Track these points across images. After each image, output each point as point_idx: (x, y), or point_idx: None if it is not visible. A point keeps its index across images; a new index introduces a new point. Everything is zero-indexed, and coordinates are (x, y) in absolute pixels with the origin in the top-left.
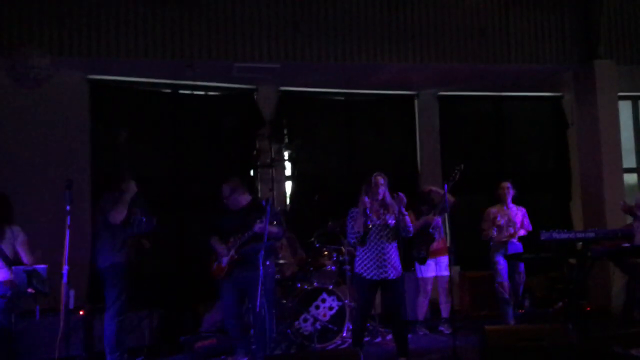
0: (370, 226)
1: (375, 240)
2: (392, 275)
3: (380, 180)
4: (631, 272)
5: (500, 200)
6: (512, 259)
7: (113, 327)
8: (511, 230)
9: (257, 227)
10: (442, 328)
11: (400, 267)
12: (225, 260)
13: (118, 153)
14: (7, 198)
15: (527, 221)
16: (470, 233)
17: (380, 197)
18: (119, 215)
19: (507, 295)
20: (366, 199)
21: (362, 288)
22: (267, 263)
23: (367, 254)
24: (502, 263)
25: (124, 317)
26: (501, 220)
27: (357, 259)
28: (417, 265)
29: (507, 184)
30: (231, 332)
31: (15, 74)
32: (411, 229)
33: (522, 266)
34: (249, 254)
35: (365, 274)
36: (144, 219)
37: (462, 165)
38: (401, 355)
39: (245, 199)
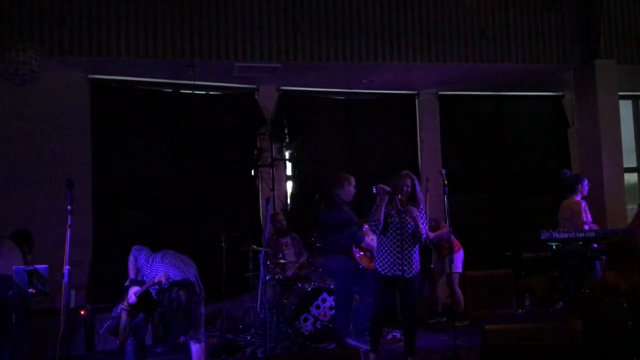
0: (390, 221)
1: (393, 237)
2: (406, 273)
3: (408, 181)
4: None
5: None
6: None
7: None
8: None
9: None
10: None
11: (417, 266)
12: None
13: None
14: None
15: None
16: (471, 232)
17: (405, 191)
18: None
19: None
20: (387, 188)
21: (376, 283)
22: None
23: (385, 250)
24: None
25: None
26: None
27: (376, 254)
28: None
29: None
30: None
31: None
32: (424, 237)
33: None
34: None
35: (380, 270)
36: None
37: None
38: (408, 355)
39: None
